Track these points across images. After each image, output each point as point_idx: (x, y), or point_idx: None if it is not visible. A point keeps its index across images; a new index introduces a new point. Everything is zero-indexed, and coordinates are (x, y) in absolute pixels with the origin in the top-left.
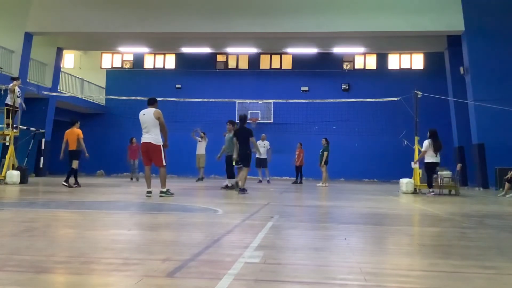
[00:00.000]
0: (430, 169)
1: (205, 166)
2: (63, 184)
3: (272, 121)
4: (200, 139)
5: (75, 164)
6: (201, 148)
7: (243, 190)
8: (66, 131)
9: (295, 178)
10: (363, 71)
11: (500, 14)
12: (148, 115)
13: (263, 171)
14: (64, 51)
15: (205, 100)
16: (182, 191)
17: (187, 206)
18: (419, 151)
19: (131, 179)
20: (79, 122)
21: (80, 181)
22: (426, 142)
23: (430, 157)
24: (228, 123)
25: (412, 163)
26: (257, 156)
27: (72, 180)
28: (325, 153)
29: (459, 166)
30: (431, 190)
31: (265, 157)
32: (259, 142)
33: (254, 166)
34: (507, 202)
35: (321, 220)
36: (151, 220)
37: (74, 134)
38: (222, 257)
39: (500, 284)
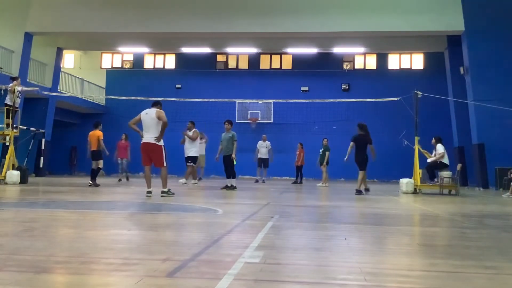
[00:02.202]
0: (440, 168)
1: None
2: (89, 184)
3: (272, 121)
4: (199, 140)
5: (94, 164)
6: (201, 148)
7: (359, 192)
8: (90, 133)
9: (295, 178)
10: (363, 71)
11: (500, 14)
12: (149, 114)
13: (261, 171)
14: (64, 51)
15: (205, 100)
16: (183, 191)
17: (187, 206)
18: (419, 151)
19: (127, 179)
20: (101, 125)
21: (80, 181)
22: (442, 147)
23: (446, 160)
24: (226, 123)
25: (429, 159)
26: (259, 156)
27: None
28: (327, 152)
29: (459, 166)
30: (435, 180)
31: (267, 157)
32: (260, 143)
33: (255, 165)
34: (507, 202)
35: (321, 220)
36: (151, 220)
37: (95, 136)
38: (222, 257)
39: (500, 284)
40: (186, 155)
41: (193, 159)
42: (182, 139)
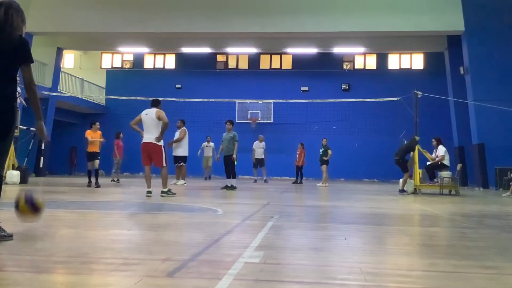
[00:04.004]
0: (440, 169)
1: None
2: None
3: (272, 121)
4: (207, 143)
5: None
6: (208, 151)
7: (402, 191)
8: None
9: (295, 178)
10: (363, 71)
11: (500, 14)
12: (150, 115)
13: (259, 171)
14: (64, 51)
15: (205, 100)
16: (183, 191)
17: (187, 206)
18: (419, 151)
19: (117, 180)
20: (95, 124)
21: (80, 181)
22: (444, 149)
23: (447, 161)
24: (228, 123)
25: (432, 162)
26: (255, 156)
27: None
28: (329, 151)
29: (459, 166)
30: (435, 180)
31: (263, 157)
32: (256, 143)
33: (251, 166)
34: (507, 202)
35: (321, 220)
36: (151, 220)
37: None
38: (222, 257)
39: (500, 284)
40: (174, 155)
41: (184, 158)
42: (169, 142)
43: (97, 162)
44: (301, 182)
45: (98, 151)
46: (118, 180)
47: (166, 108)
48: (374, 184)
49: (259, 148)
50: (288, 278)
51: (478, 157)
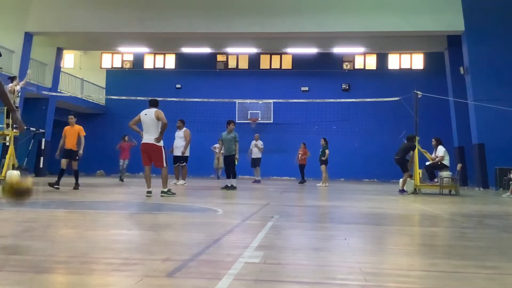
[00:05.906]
0: (440, 169)
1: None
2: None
3: (272, 121)
4: (217, 145)
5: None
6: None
7: (402, 191)
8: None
9: (300, 178)
10: (363, 71)
11: (500, 14)
12: (149, 115)
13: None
14: (64, 51)
15: (205, 100)
16: (183, 191)
17: (187, 206)
18: (419, 151)
19: (120, 179)
20: (69, 117)
21: (79, 181)
22: (443, 150)
23: (447, 161)
24: (232, 124)
25: (432, 162)
26: (252, 156)
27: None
28: (326, 150)
29: (459, 166)
30: (435, 180)
31: (259, 156)
32: (252, 142)
33: (249, 166)
34: (507, 202)
35: (321, 220)
36: (151, 220)
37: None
38: (222, 257)
39: (500, 284)
40: (175, 154)
41: (185, 158)
42: (171, 149)
43: (75, 163)
44: (301, 182)
45: (75, 149)
46: (122, 179)
47: (166, 108)
48: (374, 184)
49: (254, 147)
50: (288, 278)
51: (478, 157)
